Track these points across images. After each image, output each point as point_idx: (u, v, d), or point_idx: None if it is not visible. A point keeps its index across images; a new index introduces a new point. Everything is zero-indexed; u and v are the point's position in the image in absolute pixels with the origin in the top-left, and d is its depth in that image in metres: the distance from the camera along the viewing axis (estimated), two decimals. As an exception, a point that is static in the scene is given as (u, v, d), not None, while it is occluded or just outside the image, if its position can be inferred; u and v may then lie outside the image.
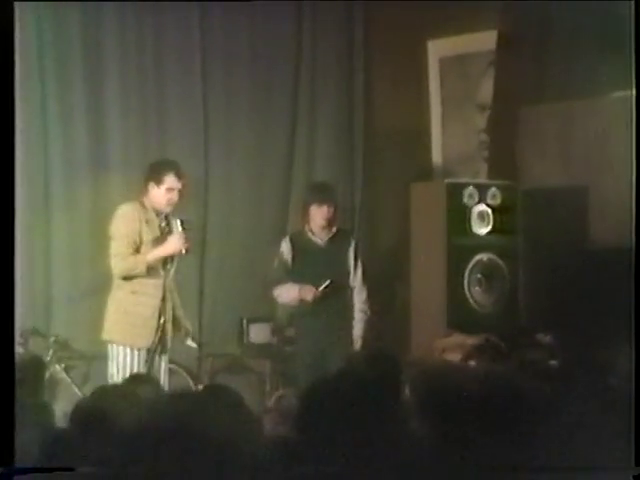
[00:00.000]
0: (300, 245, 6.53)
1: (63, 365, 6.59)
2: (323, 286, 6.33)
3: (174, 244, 5.79)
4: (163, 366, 5.87)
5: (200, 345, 6.93)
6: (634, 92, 5.46)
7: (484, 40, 7.26)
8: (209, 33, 7.35)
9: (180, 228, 5.80)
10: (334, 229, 6.57)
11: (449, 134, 7.61)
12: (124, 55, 7.03)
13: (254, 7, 7.45)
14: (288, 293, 6.46)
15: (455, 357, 5.81)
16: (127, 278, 5.76)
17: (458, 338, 6.13)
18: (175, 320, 5.92)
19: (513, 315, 6.63)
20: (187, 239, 5.82)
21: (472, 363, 5.46)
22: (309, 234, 6.55)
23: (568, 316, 6.10)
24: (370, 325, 6.56)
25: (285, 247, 6.59)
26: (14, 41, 4.49)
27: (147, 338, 5.76)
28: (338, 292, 6.48)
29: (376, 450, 3.16)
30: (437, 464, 3.12)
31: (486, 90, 7.34)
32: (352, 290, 6.55)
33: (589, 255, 6.37)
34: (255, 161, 7.50)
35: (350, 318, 6.53)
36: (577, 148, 6.58)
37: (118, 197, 6.29)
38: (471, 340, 6.02)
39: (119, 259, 5.76)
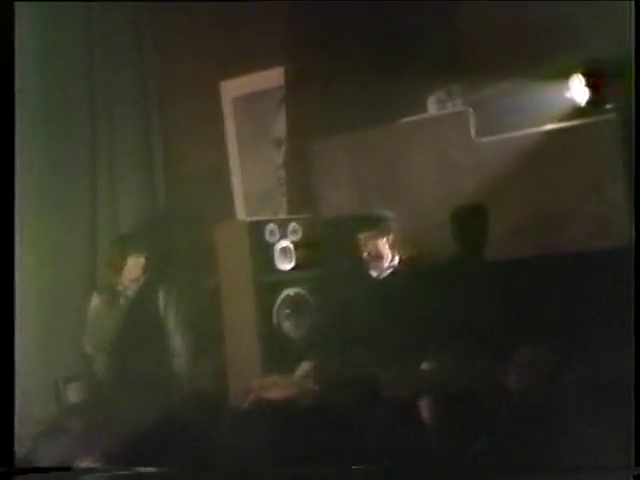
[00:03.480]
0: (109, 298, 6.57)
1: None
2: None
3: None
4: None
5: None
6: (634, 94, 5.43)
7: (273, 77, 7.38)
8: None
9: None
10: (143, 279, 6.65)
11: (248, 172, 7.69)
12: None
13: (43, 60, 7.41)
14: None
15: (273, 395, 5.88)
16: None
17: (274, 377, 6.19)
18: None
19: (326, 345, 6.64)
20: None
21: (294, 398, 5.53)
22: (118, 286, 6.63)
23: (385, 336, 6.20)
24: (189, 369, 6.66)
25: (95, 302, 6.65)
26: (14, 41, 4.57)
27: None
28: (153, 340, 6.60)
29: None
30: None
31: (280, 126, 7.45)
32: (167, 336, 6.67)
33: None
34: (61, 217, 7.45)
35: (169, 364, 6.64)
36: (370, 176, 6.70)
37: None
38: (286, 378, 6.09)
39: None
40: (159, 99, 7.81)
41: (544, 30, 6.23)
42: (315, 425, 3.68)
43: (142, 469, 3.52)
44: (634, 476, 3.21)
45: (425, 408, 4.27)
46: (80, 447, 6.53)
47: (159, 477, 3.50)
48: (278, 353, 6.59)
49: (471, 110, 6.39)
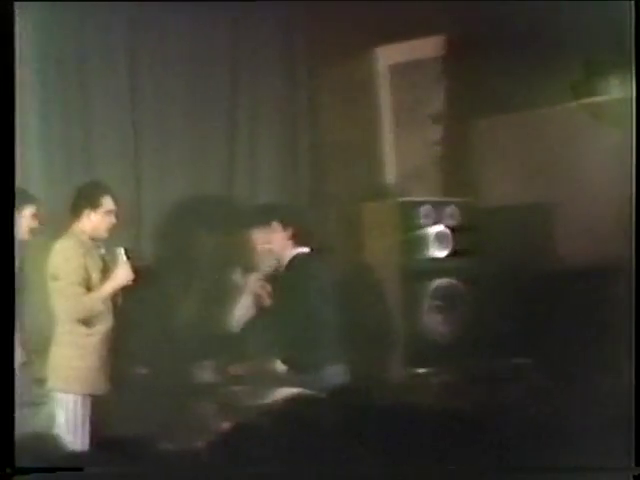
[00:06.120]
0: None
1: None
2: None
3: (123, 275, 5.42)
4: None
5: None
6: (634, 93, 5.56)
7: (433, 46, 7.09)
8: (139, 52, 6.97)
9: (125, 257, 5.43)
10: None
11: (401, 148, 7.36)
12: (45, 78, 6.48)
13: (186, 22, 7.08)
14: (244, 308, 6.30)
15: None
16: (82, 319, 5.40)
17: None
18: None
19: (476, 344, 6.32)
20: (133, 269, 5.45)
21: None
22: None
23: (537, 338, 6.02)
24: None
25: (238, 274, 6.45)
26: (14, 41, 4.51)
27: (107, 382, 5.41)
28: None
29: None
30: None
31: (438, 100, 7.17)
32: None
33: (556, 276, 6.26)
34: (192, 184, 7.10)
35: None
36: (539, 161, 6.45)
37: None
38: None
39: (74, 301, 5.37)
40: (307, 62, 7.39)
41: None
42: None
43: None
44: (634, 476, 3.22)
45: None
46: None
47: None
48: (424, 350, 6.29)
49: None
